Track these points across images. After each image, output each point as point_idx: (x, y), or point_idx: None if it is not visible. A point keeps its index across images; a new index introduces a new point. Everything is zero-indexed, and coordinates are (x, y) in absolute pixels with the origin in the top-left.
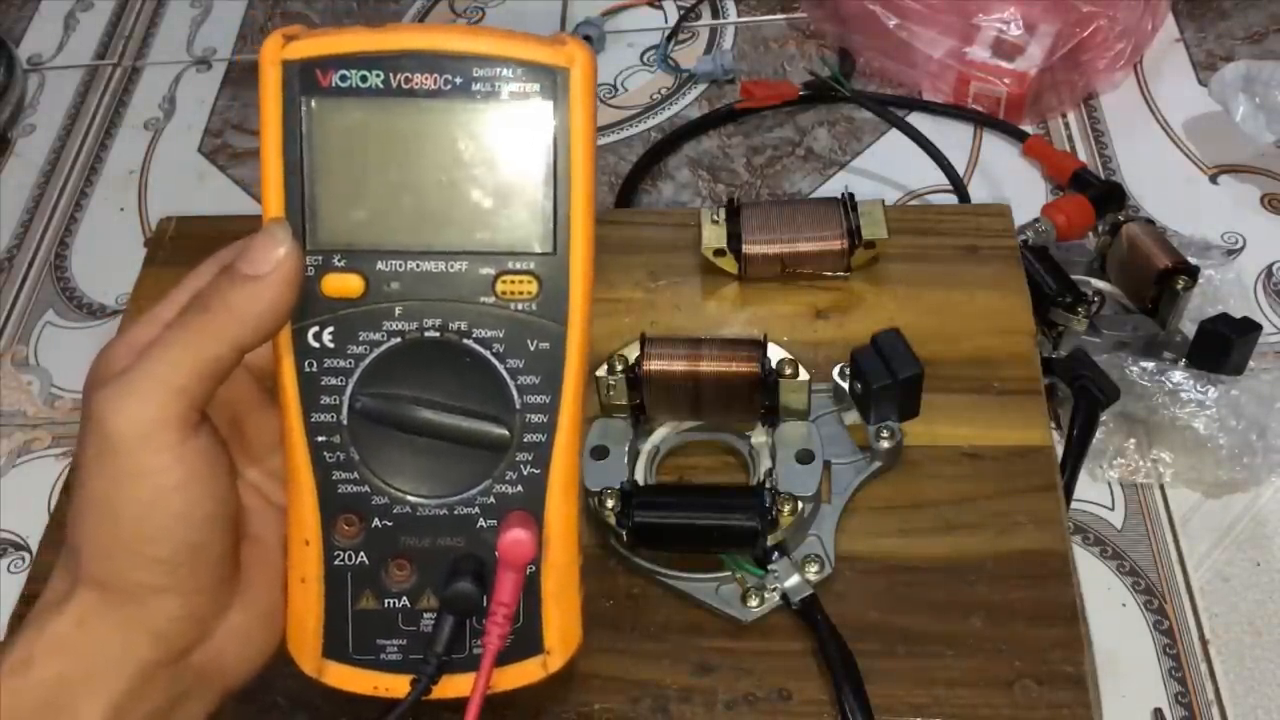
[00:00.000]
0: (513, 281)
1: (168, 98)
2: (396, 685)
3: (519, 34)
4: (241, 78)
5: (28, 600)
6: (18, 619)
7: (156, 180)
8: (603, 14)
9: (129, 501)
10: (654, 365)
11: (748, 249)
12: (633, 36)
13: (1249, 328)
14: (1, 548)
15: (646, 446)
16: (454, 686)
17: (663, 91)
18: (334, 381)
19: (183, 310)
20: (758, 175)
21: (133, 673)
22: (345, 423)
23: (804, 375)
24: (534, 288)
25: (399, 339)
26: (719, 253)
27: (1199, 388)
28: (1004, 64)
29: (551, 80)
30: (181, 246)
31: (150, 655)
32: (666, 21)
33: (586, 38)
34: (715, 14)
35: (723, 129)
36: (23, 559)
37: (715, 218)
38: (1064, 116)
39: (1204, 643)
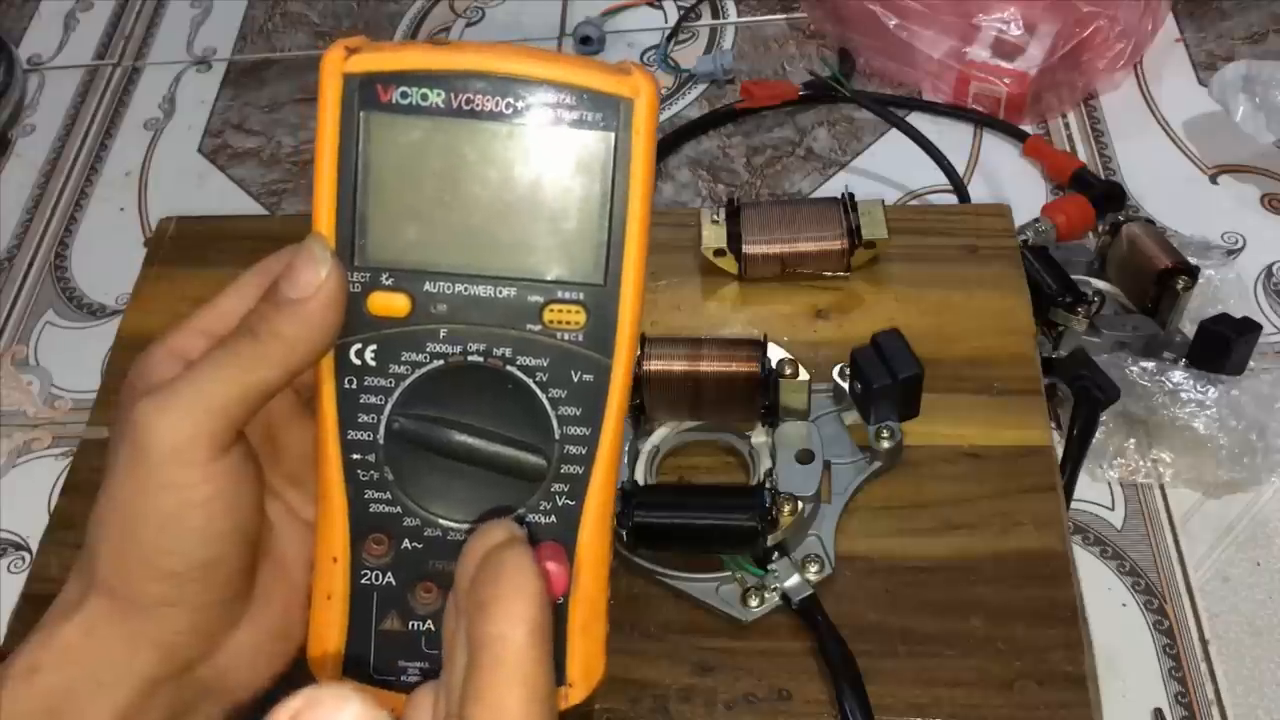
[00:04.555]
0: (561, 311)
1: (168, 98)
2: None
3: (585, 59)
4: (241, 78)
5: (28, 600)
6: (17, 618)
7: (156, 180)
8: (603, 14)
9: (150, 512)
10: (654, 365)
11: (748, 249)
12: (633, 36)
13: (1249, 328)
14: (1, 548)
15: (646, 446)
16: None
17: (663, 91)
18: (373, 400)
19: (231, 334)
20: (758, 175)
21: (137, 685)
22: (381, 442)
23: (804, 375)
24: (582, 318)
25: (441, 362)
26: (719, 253)
27: (1199, 388)
28: (1004, 64)
29: (615, 110)
30: (181, 246)
31: (155, 668)
32: (666, 21)
33: (586, 38)
34: (715, 14)
35: (723, 129)
36: (23, 559)
37: (715, 218)
38: (1064, 116)
39: (1204, 643)
